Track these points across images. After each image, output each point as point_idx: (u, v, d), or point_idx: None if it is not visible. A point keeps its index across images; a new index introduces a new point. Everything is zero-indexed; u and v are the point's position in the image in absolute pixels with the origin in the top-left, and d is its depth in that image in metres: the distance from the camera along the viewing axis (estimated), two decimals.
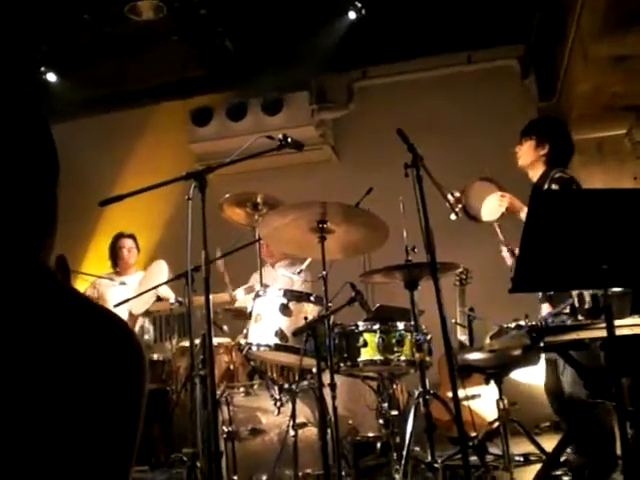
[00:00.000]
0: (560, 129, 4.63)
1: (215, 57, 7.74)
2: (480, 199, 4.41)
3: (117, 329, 0.99)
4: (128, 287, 6.27)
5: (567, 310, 3.63)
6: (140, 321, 6.36)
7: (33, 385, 0.87)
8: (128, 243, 6.78)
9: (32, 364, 0.88)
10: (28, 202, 0.99)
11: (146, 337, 6.32)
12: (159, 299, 5.90)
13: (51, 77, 7.73)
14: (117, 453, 0.94)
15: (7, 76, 1.03)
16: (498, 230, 4.42)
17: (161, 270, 5.82)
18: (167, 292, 5.89)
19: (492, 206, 4.34)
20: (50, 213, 1.03)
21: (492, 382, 4.51)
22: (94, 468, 0.91)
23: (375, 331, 4.07)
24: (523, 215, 4.16)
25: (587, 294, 3.55)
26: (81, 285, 7.00)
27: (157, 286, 5.51)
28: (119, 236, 6.85)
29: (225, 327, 5.72)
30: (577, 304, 3.58)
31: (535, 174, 4.43)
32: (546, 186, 4.23)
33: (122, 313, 6.11)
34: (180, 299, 5.41)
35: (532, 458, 4.55)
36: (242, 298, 5.47)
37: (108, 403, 0.93)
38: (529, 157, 4.44)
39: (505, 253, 4.41)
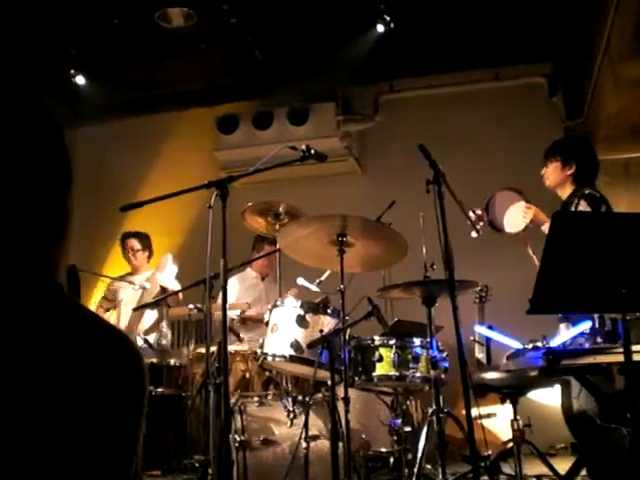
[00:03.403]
0: (585, 147, 4.62)
1: (243, 65, 7.79)
2: (504, 209, 4.39)
3: (117, 341, 0.99)
4: (139, 288, 6.29)
5: (587, 330, 3.60)
6: (153, 319, 6.37)
7: (33, 395, 0.88)
8: (131, 244, 6.69)
9: (32, 374, 0.88)
10: (36, 212, 0.99)
11: (164, 342, 6.34)
12: (163, 290, 5.90)
13: (80, 80, 7.79)
14: (116, 461, 0.95)
15: (14, 80, 1.03)
16: (529, 248, 4.39)
17: (164, 263, 5.85)
18: (168, 282, 5.86)
19: (516, 217, 4.31)
20: (60, 224, 1.03)
21: (508, 402, 4.47)
22: (94, 474, 0.91)
23: (391, 346, 4.06)
24: (545, 228, 4.14)
25: (608, 316, 3.52)
26: (101, 287, 7.04)
27: (164, 296, 5.54)
28: (123, 237, 6.78)
29: (242, 335, 5.74)
30: (597, 325, 3.56)
31: (564, 193, 4.40)
32: (575, 202, 4.19)
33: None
34: (199, 305, 5.43)
35: None
36: None
37: (108, 413, 0.93)
38: (556, 178, 4.41)
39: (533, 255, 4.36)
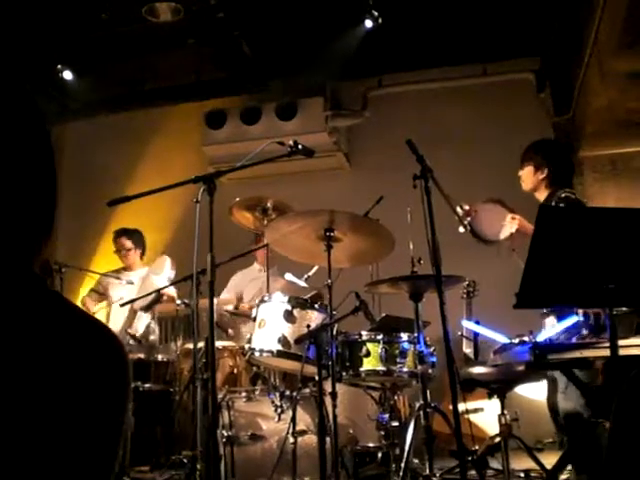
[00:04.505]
0: (557, 150, 4.66)
1: (231, 61, 7.77)
2: (489, 221, 4.42)
3: (100, 335, 0.99)
4: (132, 285, 6.26)
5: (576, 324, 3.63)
6: (146, 321, 6.35)
7: (14, 388, 0.88)
8: (122, 243, 6.65)
9: (14, 368, 0.88)
10: (24, 208, 0.99)
11: (152, 337, 6.31)
12: (161, 295, 5.85)
13: (67, 75, 7.75)
14: (97, 457, 0.94)
15: (6, 76, 1.02)
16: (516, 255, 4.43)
17: (162, 266, 5.80)
18: (169, 289, 5.83)
19: (500, 227, 4.34)
20: (46, 220, 1.03)
21: (495, 397, 4.49)
22: (77, 467, 0.91)
23: (378, 341, 4.06)
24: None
25: (591, 311, 3.54)
26: (88, 282, 7.01)
27: (161, 289, 5.49)
28: (116, 235, 6.73)
29: (230, 331, 5.74)
30: (583, 319, 3.58)
31: (541, 196, 4.45)
32: (553, 204, 4.22)
33: (124, 310, 6.12)
34: (186, 301, 5.42)
35: (532, 474, 4.52)
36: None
37: (90, 405, 0.93)
38: (530, 182, 4.49)
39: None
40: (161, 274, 5.62)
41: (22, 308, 0.93)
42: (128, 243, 6.64)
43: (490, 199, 4.53)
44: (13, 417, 0.87)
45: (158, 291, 5.61)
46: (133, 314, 6.26)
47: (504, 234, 4.35)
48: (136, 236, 6.71)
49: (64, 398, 0.90)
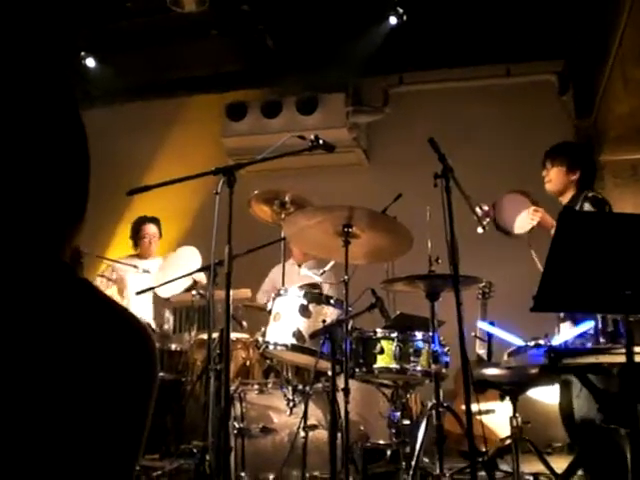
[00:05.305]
0: (588, 154, 4.76)
1: (253, 53, 7.78)
2: (512, 212, 4.39)
3: (130, 326, 0.99)
4: (148, 273, 6.25)
5: (591, 331, 3.61)
6: (160, 310, 6.36)
7: (43, 380, 0.88)
8: (152, 231, 6.65)
9: (43, 358, 0.88)
10: (56, 196, 0.99)
11: (165, 327, 6.32)
12: (195, 283, 5.83)
13: (90, 62, 7.79)
14: (122, 449, 0.95)
15: (43, 60, 1.02)
16: (533, 252, 4.42)
17: (193, 256, 5.80)
18: (201, 276, 5.82)
19: (523, 220, 4.32)
20: (79, 208, 1.03)
21: (507, 399, 4.47)
22: (98, 463, 0.91)
23: (393, 339, 4.06)
24: (554, 231, 4.15)
25: (610, 317, 3.52)
26: (105, 270, 7.01)
27: (191, 273, 5.48)
28: (142, 221, 6.71)
29: (244, 323, 5.74)
30: (600, 326, 3.56)
31: (565, 198, 4.41)
32: (579, 205, 4.20)
33: (146, 298, 6.13)
34: (201, 291, 5.43)
35: (542, 478, 4.51)
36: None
37: (116, 398, 0.93)
38: (560, 183, 4.41)
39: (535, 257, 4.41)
40: (194, 264, 5.60)
41: (50, 296, 0.93)
42: (157, 231, 6.66)
43: (516, 190, 4.50)
44: (41, 404, 0.87)
45: (189, 278, 5.60)
46: (161, 301, 6.24)
47: (524, 226, 4.32)
48: (159, 224, 6.72)
49: (90, 386, 0.91)
